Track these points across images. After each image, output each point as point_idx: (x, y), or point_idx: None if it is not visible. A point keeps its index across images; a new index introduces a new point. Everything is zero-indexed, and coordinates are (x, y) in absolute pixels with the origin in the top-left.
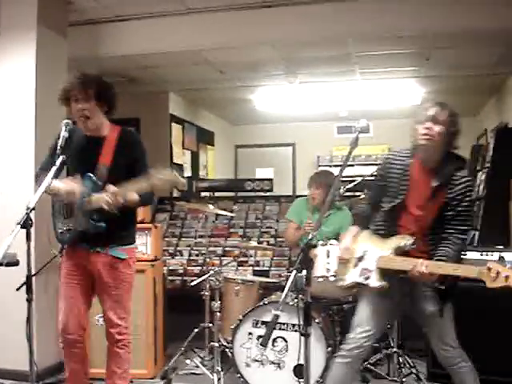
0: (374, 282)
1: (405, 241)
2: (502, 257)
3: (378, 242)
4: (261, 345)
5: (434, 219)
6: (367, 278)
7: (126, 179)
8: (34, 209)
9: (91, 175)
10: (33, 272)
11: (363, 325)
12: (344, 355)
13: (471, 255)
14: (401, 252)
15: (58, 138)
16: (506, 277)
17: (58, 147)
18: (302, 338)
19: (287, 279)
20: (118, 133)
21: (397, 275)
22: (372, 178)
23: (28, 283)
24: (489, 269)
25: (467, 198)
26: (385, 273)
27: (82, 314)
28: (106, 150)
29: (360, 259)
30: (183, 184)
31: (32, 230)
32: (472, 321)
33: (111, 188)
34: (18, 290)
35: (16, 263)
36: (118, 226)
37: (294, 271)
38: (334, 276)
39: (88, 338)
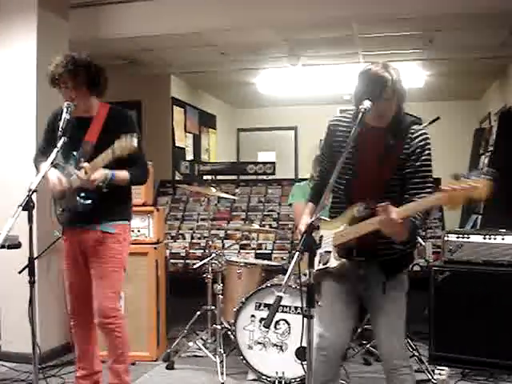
0: (333, 261)
1: (356, 208)
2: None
3: (330, 223)
4: (264, 326)
5: (389, 179)
6: (327, 262)
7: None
8: (35, 191)
9: (74, 153)
10: (35, 254)
11: (334, 321)
12: (322, 354)
13: (474, 238)
14: (355, 222)
15: (54, 120)
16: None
17: (60, 129)
18: (305, 319)
19: (290, 261)
20: (107, 111)
21: (352, 255)
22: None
23: (30, 266)
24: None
25: (426, 152)
26: (343, 251)
27: (86, 296)
28: (92, 128)
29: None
30: (133, 146)
31: (34, 212)
32: (483, 306)
33: (84, 164)
34: (20, 272)
35: (18, 246)
36: (109, 202)
37: (297, 253)
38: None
39: None
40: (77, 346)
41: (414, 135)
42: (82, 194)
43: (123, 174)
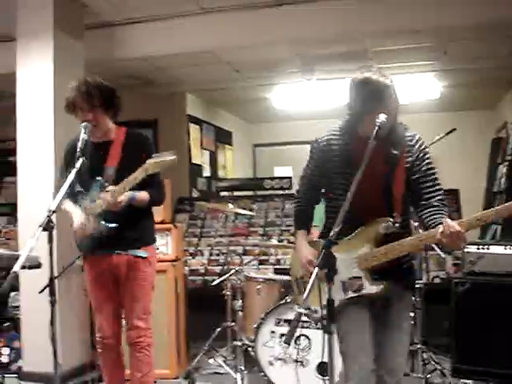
0: (370, 287)
1: (382, 224)
2: None
3: (339, 246)
4: (284, 343)
5: (402, 191)
6: (359, 288)
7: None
8: (55, 211)
9: (99, 178)
10: (55, 274)
11: (364, 349)
12: None
13: (494, 249)
14: (381, 241)
15: (70, 152)
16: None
17: (78, 149)
18: (326, 335)
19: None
20: (124, 134)
21: (390, 276)
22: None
23: (51, 285)
24: None
25: (427, 155)
26: (379, 273)
27: (115, 319)
28: (113, 152)
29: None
30: (172, 160)
31: (54, 232)
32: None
33: (110, 187)
34: (40, 292)
35: (38, 266)
36: (134, 226)
37: (316, 268)
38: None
39: None
40: (106, 372)
41: (413, 142)
42: (105, 218)
43: (144, 195)
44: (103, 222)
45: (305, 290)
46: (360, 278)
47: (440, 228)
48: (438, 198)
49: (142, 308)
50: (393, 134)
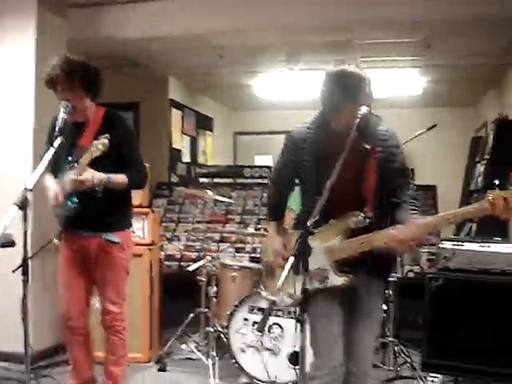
0: (336, 278)
1: (352, 218)
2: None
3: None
4: (257, 330)
5: (374, 186)
6: (324, 279)
7: (112, 161)
8: (31, 190)
9: (69, 158)
10: (29, 254)
11: (334, 340)
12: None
13: (469, 246)
14: (351, 234)
15: (51, 127)
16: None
17: (57, 129)
18: (298, 324)
19: (284, 266)
20: (102, 115)
21: (358, 268)
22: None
23: (24, 265)
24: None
25: (400, 150)
26: (346, 266)
27: (83, 301)
28: (87, 132)
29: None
30: (104, 144)
31: (30, 211)
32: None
33: (75, 165)
34: (14, 271)
35: (12, 244)
36: (112, 209)
37: (291, 258)
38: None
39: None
40: (71, 354)
41: (386, 136)
42: (74, 199)
43: (121, 177)
44: (70, 202)
45: (274, 277)
46: (326, 269)
47: (385, 237)
48: (407, 193)
49: (114, 293)
50: (365, 127)
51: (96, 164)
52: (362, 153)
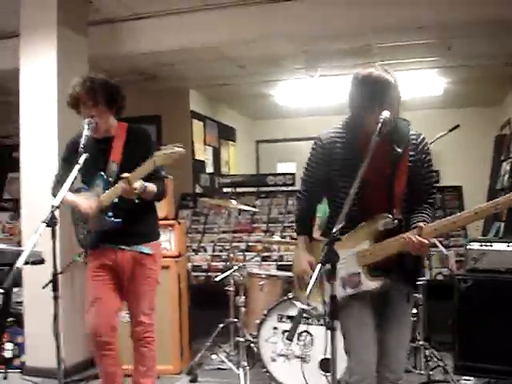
0: (368, 283)
1: (382, 221)
2: None
3: (339, 242)
4: (287, 339)
5: (403, 189)
6: (357, 285)
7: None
8: (58, 207)
9: (102, 173)
10: (58, 270)
11: (367, 346)
12: None
13: (497, 246)
14: (380, 237)
15: (72, 146)
16: None
17: (81, 145)
18: (329, 331)
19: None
20: (125, 130)
21: (389, 272)
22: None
23: (54, 281)
24: None
25: (429, 157)
26: (378, 270)
27: (112, 315)
28: (115, 148)
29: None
30: (180, 152)
31: (57, 228)
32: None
33: (125, 174)
34: (44, 288)
35: (41, 261)
36: (140, 222)
37: (319, 265)
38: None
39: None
40: (101, 369)
41: (418, 140)
42: (110, 214)
43: (153, 187)
44: (108, 217)
45: (306, 287)
46: (358, 274)
47: (405, 240)
48: (429, 200)
49: (147, 304)
50: (396, 131)
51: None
52: (393, 156)
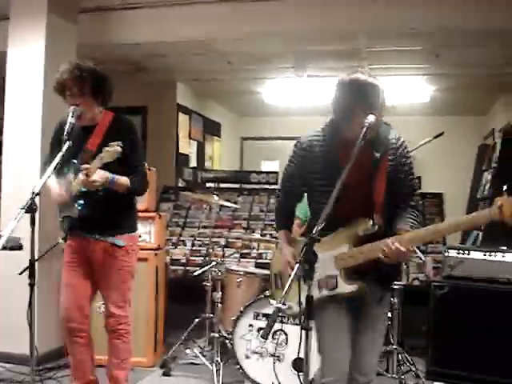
0: (344, 286)
1: (363, 226)
2: None
3: (318, 244)
4: (261, 337)
5: (383, 194)
6: (333, 287)
7: (118, 166)
8: (38, 194)
9: (75, 161)
10: (36, 257)
11: (340, 349)
12: None
13: (475, 255)
14: (359, 241)
15: (60, 131)
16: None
17: (65, 133)
18: (303, 331)
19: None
20: (109, 119)
21: (365, 276)
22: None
23: (31, 268)
24: (500, 206)
25: (409, 160)
26: (354, 274)
27: (84, 303)
28: (94, 136)
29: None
30: (116, 151)
31: (37, 215)
32: (482, 323)
33: (83, 166)
34: (20, 274)
35: (19, 247)
36: (117, 213)
37: (297, 265)
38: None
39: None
40: (71, 356)
41: (397, 144)
42: (81, 202)
43: (124, 180)
44: (76, 205)
45: (282, 286)
46: (335, 276)
47: (383, 247)
48: (413, 203)
49: (119, 296)
50: (377, 135)
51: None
52: (373, 161)
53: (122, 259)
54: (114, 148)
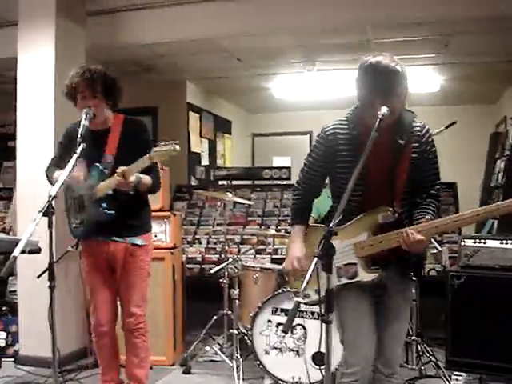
0: (365, 274)
1: (383, 214)
2: None
3: (340, 231)
4: (282, 332)
5: (406, 181)
6: (353, 275)
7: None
8: (55, 197)
9: (98, 165)
10: (55, 260)
11: (364, 337)
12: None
13: (491, 243)
14: (379, 230)
15: (69, 134)
16: None
17: (79, 135)
18: (324, 324)
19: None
20: (122, 122)
21: (388, 265)
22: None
23: (50, 270)
24: None
25: (434, 148)
26: (373, 260)
27: (113, 305)
28: (111, 140)
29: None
30: (176, 150)
31: (53, 217)
32: (500, 311)
33: (120, 168)
34: (39, 277)
35: (38, 251)
36: (133, 214)
37: (315, 259)
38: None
39: None
40: (102, 358)
41: (422, 132)
42: (104, 205)
43: (148, 179)
44: (102, 209)
45: (300, 278)
46: (355, 264)
47: (399, 238)
48: (433, 192)
49: (139, 295)
50: (400, 122)
51: (119, 166)
52: (395, 148)
53: (142, 258)
54: (171, 147)
